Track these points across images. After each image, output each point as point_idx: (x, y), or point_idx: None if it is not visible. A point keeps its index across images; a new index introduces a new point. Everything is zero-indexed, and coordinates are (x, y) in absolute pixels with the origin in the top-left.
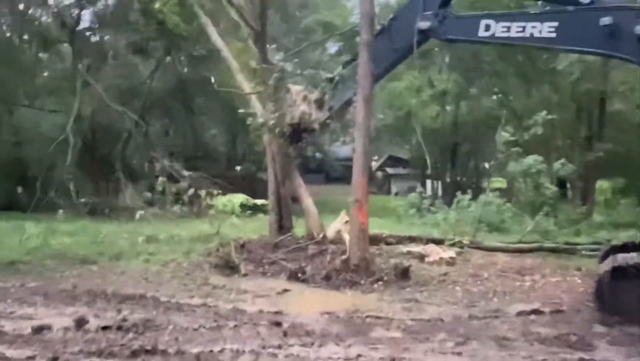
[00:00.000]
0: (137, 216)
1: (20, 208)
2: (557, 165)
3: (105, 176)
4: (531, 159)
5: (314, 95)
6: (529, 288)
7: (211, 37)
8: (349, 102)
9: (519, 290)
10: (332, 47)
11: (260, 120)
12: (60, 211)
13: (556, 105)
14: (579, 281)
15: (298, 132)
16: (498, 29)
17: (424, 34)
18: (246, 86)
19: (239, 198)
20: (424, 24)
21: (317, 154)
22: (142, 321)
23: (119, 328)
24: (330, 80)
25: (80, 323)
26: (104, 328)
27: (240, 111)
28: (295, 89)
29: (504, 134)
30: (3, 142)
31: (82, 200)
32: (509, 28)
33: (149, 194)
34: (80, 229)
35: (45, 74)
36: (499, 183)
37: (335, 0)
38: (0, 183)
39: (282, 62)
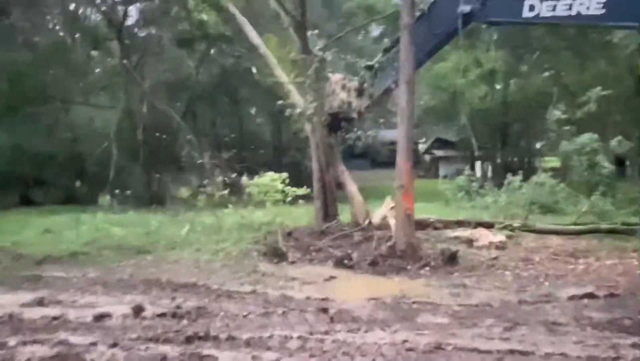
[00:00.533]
0: (198, 202)
1: (78, 201)
2: (613, 142)
3: (156, 168)
4: (585, 137)
5: (353, 83)
6: (582, 272)
7: (248, 35)
8: (388, 90)
9: (572, 274)
10: (375, 31)
11: (298, 110)
12: (107, 197)
13: (612, 79)
14: (636, 263)
15: (337, 121)
16: (543, 8)
17: (466, 18)
18: (285, 78)
19: (279, 182)
20: (465, 8)
21: (362, 138)
22: (195, 309)
23: (174, 315)
24: (370, 68)
25: (138, 310)
26: (160, 315)
27: (279, 102)
28: (335, 78)
29: (555, 112)
30: (60, 139)
31: (128, 192)
32: (554, 7)
33: (200, 184)
34: (134, 221)
35: (97, 70)
36: (554, 162)
37: None
38: (59, 178)
39: (323, 49)
